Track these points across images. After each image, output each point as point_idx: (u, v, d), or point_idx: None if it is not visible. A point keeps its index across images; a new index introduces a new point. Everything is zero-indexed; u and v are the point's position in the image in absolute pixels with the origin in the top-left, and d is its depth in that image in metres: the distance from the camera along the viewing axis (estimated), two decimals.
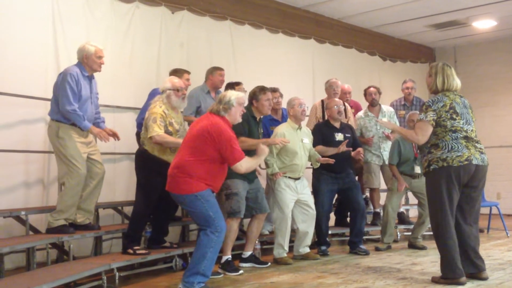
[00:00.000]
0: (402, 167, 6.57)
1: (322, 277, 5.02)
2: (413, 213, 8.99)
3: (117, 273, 4.79)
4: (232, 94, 4.59)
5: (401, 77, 8.73)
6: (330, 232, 6.62)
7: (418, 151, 6.48)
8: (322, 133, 6.28)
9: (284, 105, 6.63)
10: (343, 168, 6.29)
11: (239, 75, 7.58)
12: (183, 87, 5.27)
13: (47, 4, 6.04)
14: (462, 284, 4.47)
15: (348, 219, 6.95)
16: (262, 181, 6.20)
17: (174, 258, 5.48)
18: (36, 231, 5.33)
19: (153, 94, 5.67)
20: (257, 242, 5.78)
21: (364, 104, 7.76)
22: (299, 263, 5.82)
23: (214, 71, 6.50)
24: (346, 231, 7.06)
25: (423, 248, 6.58)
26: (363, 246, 6.36)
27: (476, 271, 4.62)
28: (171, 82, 5.22)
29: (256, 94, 5.54)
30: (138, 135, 5.81)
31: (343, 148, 5.97)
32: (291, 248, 6.07)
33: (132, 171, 6.00)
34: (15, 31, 5.75)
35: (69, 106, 5.04)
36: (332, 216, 7.03)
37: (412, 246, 6.70)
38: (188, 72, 6.20)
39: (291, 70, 8.79)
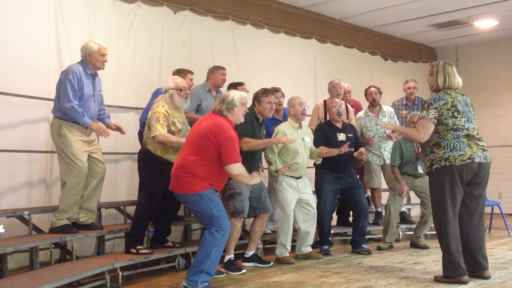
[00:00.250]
0: (404, 168, 6.56)
1: (325, 276, 5.03)
2: (414, 212, 9.00)
3: (120, 273, 4.80)
4: (235, 94, 4.59)
5: (402, 76, 8.74)
6: (332, 231, 6.63)
7: (420, 150, 6.49)
8: (324, 133, 6.28)
9: (285, 104, 6.64)
10: (346, 168, 6.29)
11: (240, 74, 7.60)
12: (186, 86, 5.27)
13: (49, 4, 6.04)
14: (465, 283, 4.47)
15: (350, 218, 6.96)
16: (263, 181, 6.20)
17: (177, 258, 5.48)
18: (39, 230, 5.34)
19: (156, 94, 5.67)
20: (259, 241, 5.79)
21: (365, 103, 7.77)
22: (301, 262, 5.83)
23: (216, 70, 6.51)
24: (348, 230, 7.07)
25: (425, 247, 6.59)
26: (365, 246, 6.36)
27: (479, 269, 4.63)
28: (174, 81, 5.23)
29: (258, 96, 5.55)
30: (140, 134, 5.82)
31: (345, 149, 5.97)
32: (293, 248, 6.08)
33: (134, 171, 6.02)
34: (17, 31, 5.76)
35: (68, 103, 5.04)
36: (334, 216, 7.03)
37: (414, 245, 6.71)
38: (192, 73, 6.21)
39: (292, 70, 8.80)
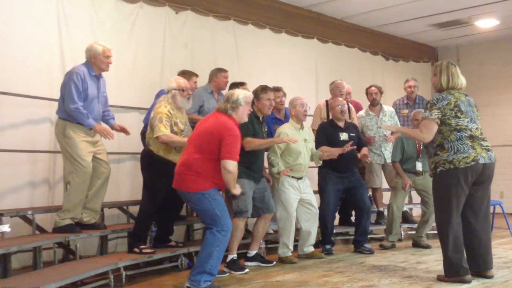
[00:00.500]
0: (405, 165, 6.58)
1: (328, 276, 5.03)
2: (416, 212, 9.00)
3: (123, 272, 4.81)
4: (240, 93, 4.59)
5: (403, 76, 8.74)
6: (334, 231, 6.63)
7: (422, 148, 6.50)
8: (327, 132, 6.29)
9: (287, 104, 6.65)
10: (349, 167, 6.30)
11: (242, 74, 7.60)
12: (188, 87, 5.27)
13: (52, 4, 6.05)
14: (468, 282, 4.48)
15: (352, 218, 6.96)
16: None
17: (180, 257, 5.49)
18: (42, 230, 5.36)
19: (159, 95, 5.67)
20: (261, 241, 5.80)
21: (365, 103, 7.78)
22: (304, 262, 5.83)
23: (218, 73, 6.52)
24: (350, 230, 7.07)
25: (427, 247, 6.59)
26: (367, 245, 6.37)
27: (482, 268, 4.63)
28: (176, 82, 5.23)
29: (257, 93, 5.53)
30: (143, 134, 5.83)
31: (347, 148, 5.97)
32: (295, 247, 6.08)
33: (136, 171, 6.03)
34: (19, 32, 5.76)
35: (72, 104, 5.05)
36: (336, 215, 7.04)
37: (417, 245, 6.71)
38: (196, 75, 6.22)
39: (294, 69, 8.81)
